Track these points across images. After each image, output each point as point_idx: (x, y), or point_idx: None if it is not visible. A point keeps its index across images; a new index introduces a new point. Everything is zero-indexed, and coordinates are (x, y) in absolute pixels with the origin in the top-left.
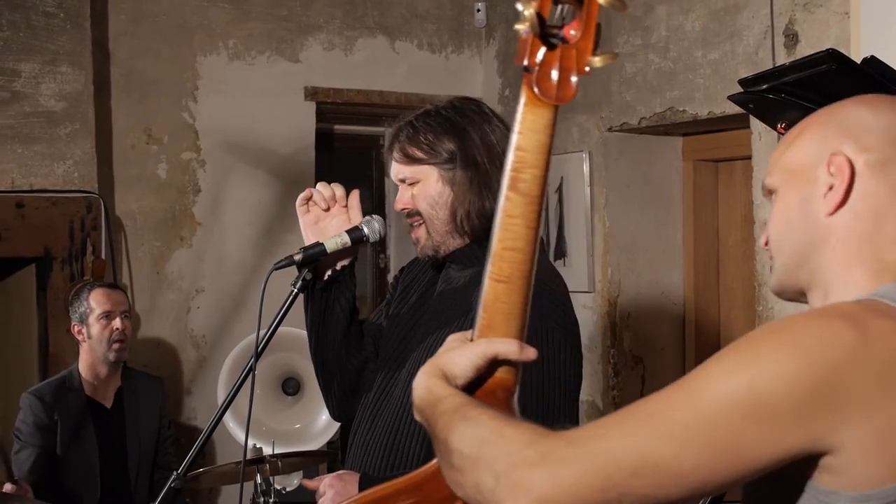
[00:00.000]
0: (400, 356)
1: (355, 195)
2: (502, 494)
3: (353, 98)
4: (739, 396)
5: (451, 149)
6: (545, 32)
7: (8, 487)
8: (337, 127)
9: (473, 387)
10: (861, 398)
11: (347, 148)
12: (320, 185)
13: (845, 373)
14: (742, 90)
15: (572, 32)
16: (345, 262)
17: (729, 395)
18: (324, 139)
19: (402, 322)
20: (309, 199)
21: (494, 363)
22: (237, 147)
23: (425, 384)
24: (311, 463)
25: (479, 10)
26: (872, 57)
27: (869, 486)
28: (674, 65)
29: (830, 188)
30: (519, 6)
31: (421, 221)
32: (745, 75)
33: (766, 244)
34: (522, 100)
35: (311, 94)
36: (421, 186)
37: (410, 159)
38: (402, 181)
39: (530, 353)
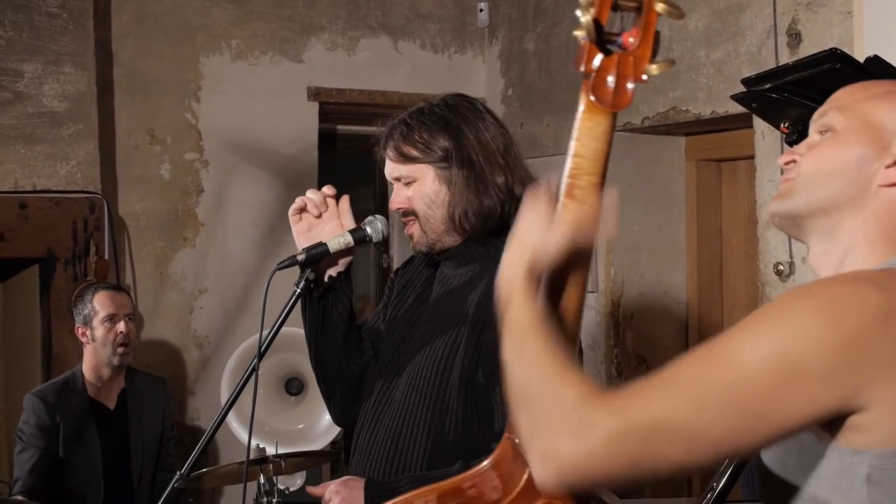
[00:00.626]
0: (399, 360)
1: (345, 201)
2: (535, 451)
3: (356, 98)
4: (771, 361)
5: (446, 146)
6: (602, 39)
7: None
8: (340, 127)
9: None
10: (889, 358)
11: (350, 148)
12: (310, 192)
13: (874, 334)
14: (745, 89)
15: (631, 40)
16: (341, 269)
17: (762, 360)
18: (327, 139)
19: (400, 325)
20: (302, 209)
21: (572, 257)
22: (240, 147)
23: (509, 274)
24: (314, 463)
25: (481, 10)
26: (875, 56)
27: (894, 443)
28: (677, 64)
29: (895, 163)
30: (577, 12)
31: (415, 219)
32: (748, 75)
33: (789, 164)
34: (581, 107)
35: (314, 94)
36: (417, 186)
37: (405, 158)
38: (397, 180)
39: (611, 223)
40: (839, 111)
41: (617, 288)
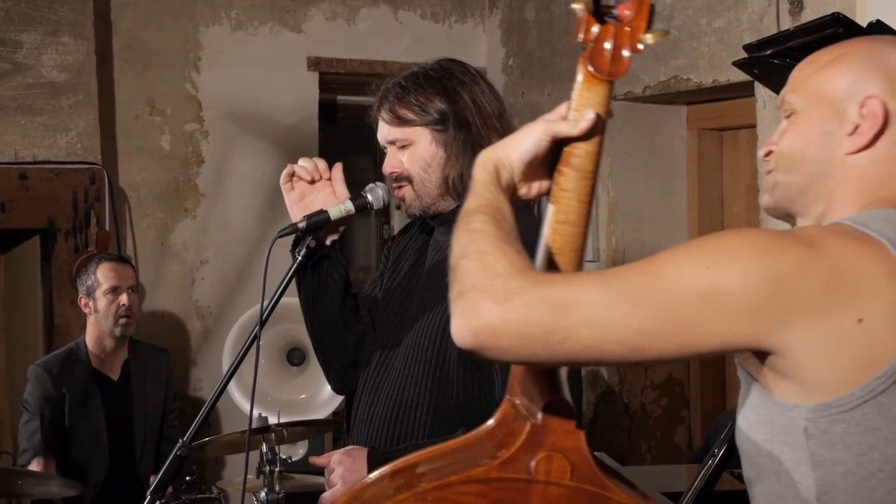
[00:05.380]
0: (397, 329)
1: (338, 168)
2: (456, 309)
3: (356, 68)
4: (698, 276)
5: (442, 109)
6: (599, 11)
7: (35, 465)
8: (340, 97)
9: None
10: (808, 304)
11: (350, 118)
12: (302, 160)
13: (795, 278)
14: (747, 56)
15: (626, 12)
16: (335, 237)
17: (690, 273)
18: (327, 110)
19: (396, 294)
20: (292, 175)
21: (552, 148)
22: (240, 118)
23: (478, 170)
24: (316, 432)
25: None
26: (878, 21)
27: (827, 394)
28: (678, 33)
29: (856, 128)
30: None
31: (407, 183)
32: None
33: (768, 156)
34: (579, 77)
35: (314, 64)
36: (413, 149)
37: (401, 120)
38: (392, 143)
39: (585, 122)
40: (794, 92)
41: (618, 257)
